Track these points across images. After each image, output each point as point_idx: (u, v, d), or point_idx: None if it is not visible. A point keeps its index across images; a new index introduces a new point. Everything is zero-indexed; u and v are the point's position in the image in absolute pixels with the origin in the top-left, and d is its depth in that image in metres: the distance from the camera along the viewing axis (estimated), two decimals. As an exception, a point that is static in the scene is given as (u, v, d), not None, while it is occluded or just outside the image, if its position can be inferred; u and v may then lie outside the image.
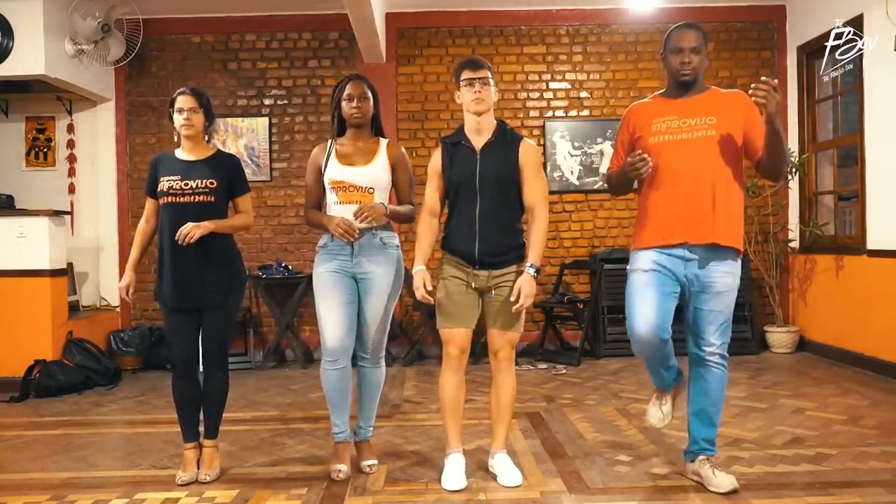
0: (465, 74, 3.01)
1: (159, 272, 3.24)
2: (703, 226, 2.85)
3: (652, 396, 3.20)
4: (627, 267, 3.03)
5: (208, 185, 3.17)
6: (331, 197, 3.21)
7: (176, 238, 3.06)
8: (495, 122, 3.08)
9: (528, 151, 3.04)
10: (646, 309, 2.87)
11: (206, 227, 3.08)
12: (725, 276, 2.90)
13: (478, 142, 3.05)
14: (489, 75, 3.01)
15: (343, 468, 3.18)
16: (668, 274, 2.90)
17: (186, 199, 3.16)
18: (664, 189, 2.89)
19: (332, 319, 3.13)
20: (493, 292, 3.04)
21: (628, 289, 2.97)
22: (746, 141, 2.91)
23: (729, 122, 2.87)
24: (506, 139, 3.05)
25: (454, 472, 3.06)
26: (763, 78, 2.70)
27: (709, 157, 2.86)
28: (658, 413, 3.16)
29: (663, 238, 2.90)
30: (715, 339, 2.92)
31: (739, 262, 2.96)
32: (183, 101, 3.18)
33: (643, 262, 2.94)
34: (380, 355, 3.28)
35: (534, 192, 3.03)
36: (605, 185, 3.31)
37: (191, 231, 3.05)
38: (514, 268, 3.02)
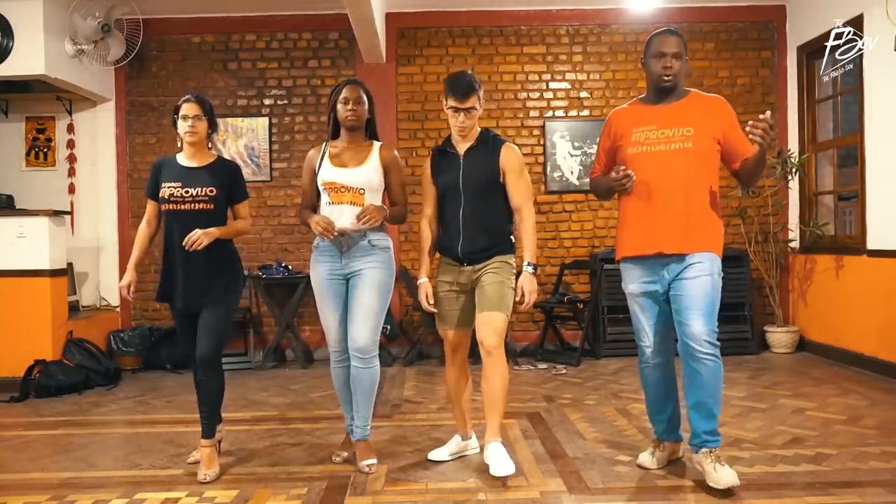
0: (452, 102, 3.12)
1: (164, 275, 3.32)
2: (677, 236, 2.94)
3: (653, 445, 3.29)
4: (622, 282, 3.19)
5: (208, 193, 3.25)
6: (323, 198, 3.29)
7: (184, 245, 3.14)
8: (479, 130, 3.22)
9: (509, 155, 3.17)
10: (644, 333, 3.13)
11: (212, 234, 3.18)
12: (701, 263, 2.94)
13: (461, 148, 3.20)
14: (476, 105, 3.12)
15: (344, 454, 3.42)
16: (654, 287, 3.03)
17: (187, 206, 3.23)
18: (641, 200, 3.00)
19: (332, 324, 3.32)
20: (478, 282, 3.15)
21: (630, 309, 3.20)
22: (726, 149, 2.99)
23: (706, 132, 2.95)
24: (488, 144, 3.19)
25: (442, 447, 3.41)
26: (761, 116, 2.75)
27: (684, 169, 2.94)
28: (648, 458, 3.24)
29: (639, 248, 3.03)
30: (699, 326, 2.89)
31: (717, 256, 2.99)
32: (188, 108, 3.26)
33: (630, 284, 3.13)
34: (371, 354, 3.24)
35: (518, 193, 3.17)
36: (589, 188, 3.39)
37: (199, 238, 3.14)
38: (496, 258, 3.14)
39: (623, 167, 2.96)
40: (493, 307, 3.09)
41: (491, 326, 3.09)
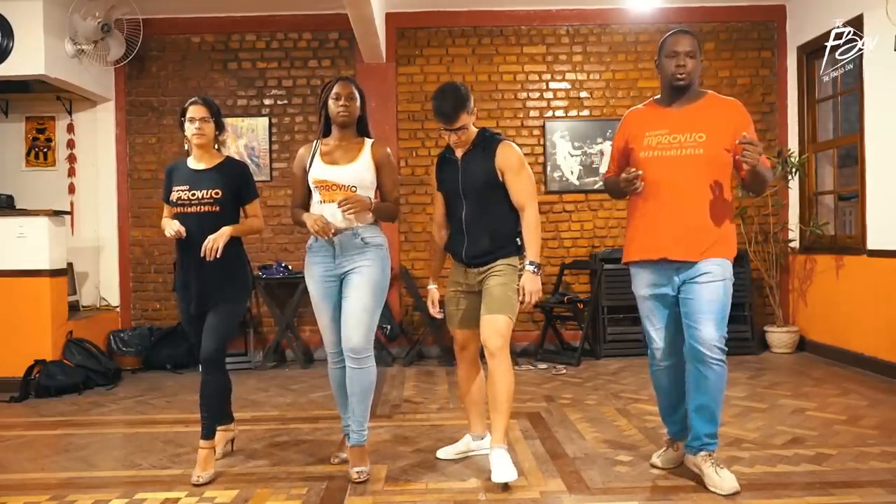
0: (443, 126, 3.15)
1: (178, 272, 3.40)
2: (684, 243, 2.93)
3: (666, 444, 3.28)
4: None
5: (213, 195, 3.27)
6: (315, 196, 3.27)
7: (202, 255, 3.16)
8: (475, 131, 3.22)
9: (504, 154, 3.14)
10: (655, 335, 3.11)
11: (225, 233, 3.21)
12: (713, 268, 2.93)
13: (460, 152, 3.22)
14: (466, 122, 3.13)
15: (343, 455, 3.39)
16: (665, 290, 3.03)
17: (194, 209, 3.27)
18: (650, 204, 3.00)
19: (327, 326, 3.30)
20: (484, 284, 3.17)
21: (640, 311, 3.18)
22: (736, 154, 2.94)
23: (718, 138, 2.93)
24: (484, 146, 3.18)
25: (450, 445, 3.47)
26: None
27: (693, 175, 2.94)
28: (660, 458, 3.25)
29: (644, 252, 3.03)
30: (711, 332, 2.89)
31: (729, 261, 2.99)
32: (195, 110, 3.30)
33: (640, 287, 3.12)
34: (365, 355, 3.16)
35: (518, 191, 3.15)
36: (603, 187, 3.41)
37: (213, 245, 3.16)
38: (501, 261, 3.15)
39: (633, 169, 2.94)
40: (495, 310, 3.09)
41: (493, 328, 3.08)
